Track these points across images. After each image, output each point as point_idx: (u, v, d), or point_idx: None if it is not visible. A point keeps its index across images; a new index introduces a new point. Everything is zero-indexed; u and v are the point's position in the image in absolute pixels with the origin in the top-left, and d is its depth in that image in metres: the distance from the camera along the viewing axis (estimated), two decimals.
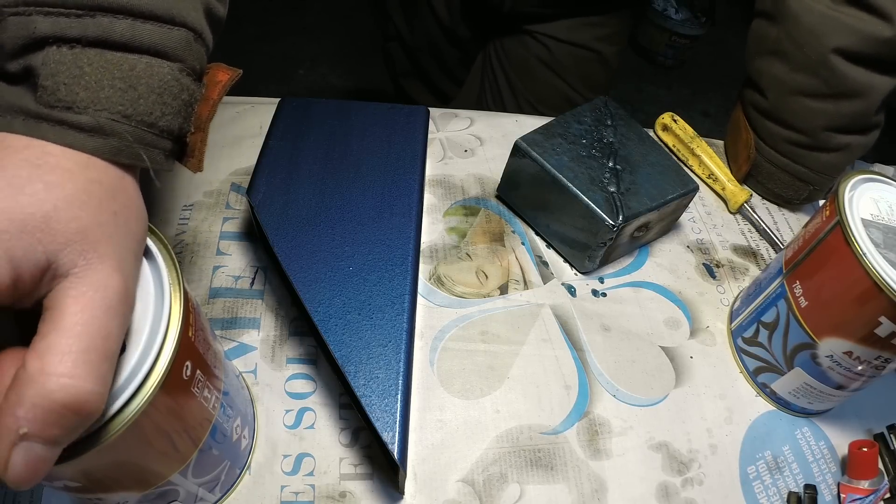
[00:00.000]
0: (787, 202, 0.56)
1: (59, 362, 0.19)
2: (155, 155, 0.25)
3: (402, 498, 0.36)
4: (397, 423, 0.33)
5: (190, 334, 0.25)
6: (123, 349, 0.23)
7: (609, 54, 0.79)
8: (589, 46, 0.77)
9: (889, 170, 0.62)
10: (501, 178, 0.51)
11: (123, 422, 0.22)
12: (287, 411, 0.38)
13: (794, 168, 0.53)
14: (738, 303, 0.47)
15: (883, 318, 0.33)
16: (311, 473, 0.36)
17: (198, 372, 0.26)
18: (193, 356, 0.26)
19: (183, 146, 0.28)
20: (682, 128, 0.58)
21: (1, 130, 0.22)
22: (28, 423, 0.18)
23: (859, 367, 0.37)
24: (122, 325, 0.21)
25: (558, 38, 0.76)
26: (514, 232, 0.50)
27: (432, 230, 0.49)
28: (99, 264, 0.21)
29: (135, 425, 0.22)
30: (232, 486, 0.35)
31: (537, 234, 0.50)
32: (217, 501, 0.34)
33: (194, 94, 0.27)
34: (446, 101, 0.92)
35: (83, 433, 0.21)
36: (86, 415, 0.20)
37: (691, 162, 0.57)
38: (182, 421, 0.26)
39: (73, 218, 0.21)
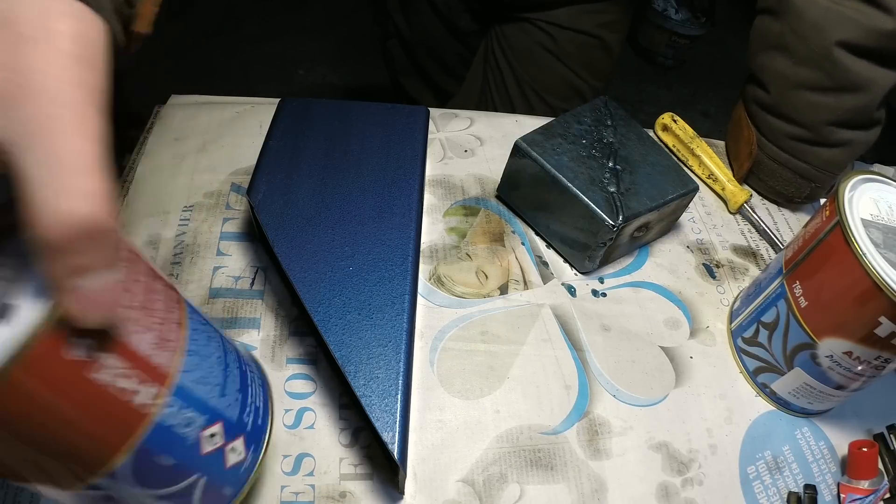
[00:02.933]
0: (789, 200, 0.56)
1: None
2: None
3: (402, 498, 0.36)
4: (397, 423, 0.33)
5: None
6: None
7: (612, 41, 0.78)
8: (591, 33, 0.77)
9: (889, 170, 0.62)
10: (501, 178, 0.51)
11: None
12: (287, 411, 0.38)
13: (795, 164, 0.53)
14: (737, 303, 0.47)
15: (883, 318, 0.33)
16: (311, 473, 0.36)
17: (104, 352, 0.20)
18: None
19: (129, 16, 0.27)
20: (682, 128, 0.58)
21: None
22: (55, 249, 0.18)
23: (859, 368, 0.37)
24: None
25: (560, 24, 0.76)
26: (514, 232, 0.50)
27: (432, 230, 0.49)
28: None
29: None
30: None
31: (537, 234, 0.50)
32: None
33: None
34: (446, 99, 0.91)
35: None
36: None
37: (691, 162, 0.57)
38: (68, 416, 0.20)
39: None
